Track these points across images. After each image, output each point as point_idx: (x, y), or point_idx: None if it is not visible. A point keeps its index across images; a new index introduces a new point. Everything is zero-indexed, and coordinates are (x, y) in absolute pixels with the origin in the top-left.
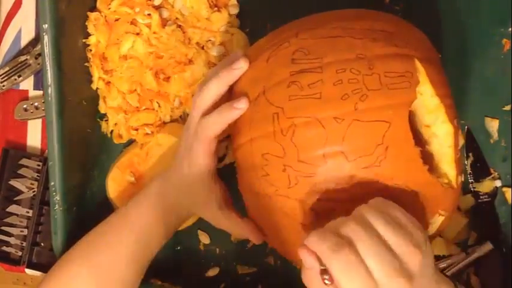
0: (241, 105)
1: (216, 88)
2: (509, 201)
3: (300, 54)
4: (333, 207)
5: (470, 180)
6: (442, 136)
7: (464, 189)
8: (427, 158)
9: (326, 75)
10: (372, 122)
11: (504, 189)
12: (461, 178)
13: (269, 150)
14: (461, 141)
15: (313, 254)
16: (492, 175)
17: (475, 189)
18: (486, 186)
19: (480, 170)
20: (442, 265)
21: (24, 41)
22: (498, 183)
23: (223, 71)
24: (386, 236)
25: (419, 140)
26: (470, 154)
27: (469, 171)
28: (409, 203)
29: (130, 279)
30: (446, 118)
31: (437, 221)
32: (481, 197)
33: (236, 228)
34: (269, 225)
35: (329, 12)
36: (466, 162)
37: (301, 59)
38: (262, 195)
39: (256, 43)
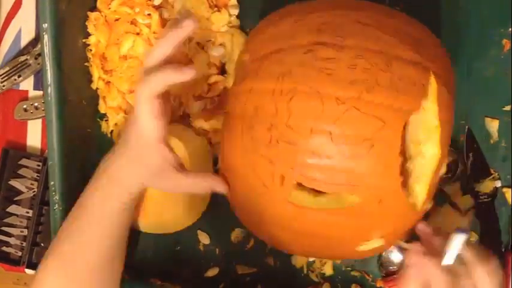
0: (187, 73)
1: (163, 48)
2: (509, 202)
3: (327, 27)
4: (300, 182)
5: (470, 180)
6: (428, 158)
7: (465, 189)
8: (404, 174)
9: (344, 55)
10: (369, 115)
11: (504, 189)
12: (430, 205)
13: (263, 105)
14: (443, 170)
15: None
16: (492, 175)
17: (475, 190)
18: (486, 186)
19: (480, 170)
20: None
21: (24, 41)
22: (498, 183)
23: (170, 31)
24: None
25: (402, 152)
26: (470, 154)
27: (469, 171)
28: (367, 208)
29: (98, 263)
30: (438, 142)
31: (375, 243)
32: (481, 197)
33: (199, 182)
34: (239, 183)
35: (367, 3)
36: (466, 162)
37: (327, 31)
38: (240, 148)
39: (286, 7)
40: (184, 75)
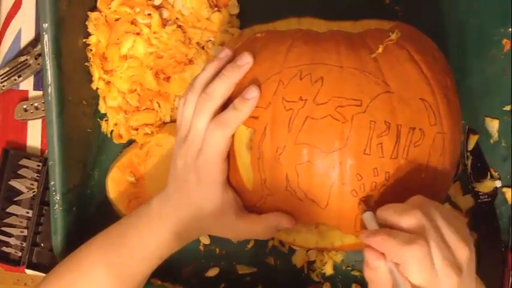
0: (252, 94)
1: (225, 89)
2: (509, 201)
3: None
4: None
5: (470, 180)
6: None
7: (465, 189)
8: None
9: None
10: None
11: (504, 189)
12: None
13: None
14: None
15: (379, 253)
16: (492, 175)
17: (475, 190)
18: (486, 186)
19: (480, 170)
20: None
21: (24, 41)
22: (498, 183)
23: (229, 69)
24: (443, 229)
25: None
26: (470, 154)
27: (469, 171)
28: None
29: None
30: None
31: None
32: (481, 197)
33: (261, 225)
34: None
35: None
36: (466, 162)
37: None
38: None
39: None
40: (254, 99)
